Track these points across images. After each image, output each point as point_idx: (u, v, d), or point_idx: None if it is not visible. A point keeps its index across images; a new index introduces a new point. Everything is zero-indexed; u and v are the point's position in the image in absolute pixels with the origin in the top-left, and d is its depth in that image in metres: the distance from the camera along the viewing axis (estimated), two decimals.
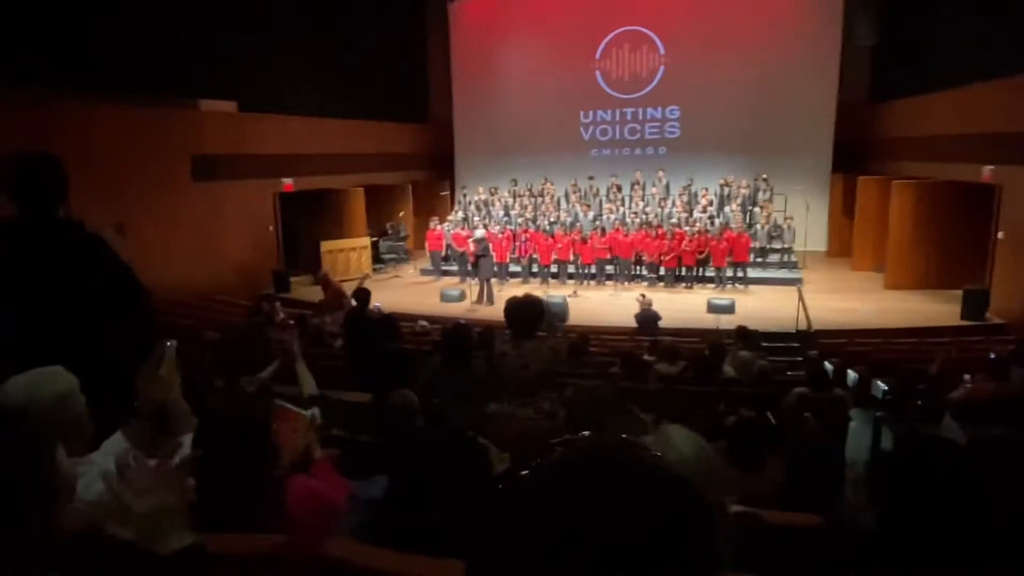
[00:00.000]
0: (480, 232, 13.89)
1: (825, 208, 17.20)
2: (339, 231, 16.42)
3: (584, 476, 0.65)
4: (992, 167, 11.03)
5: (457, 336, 4.33)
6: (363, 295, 7.61)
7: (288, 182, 14.87)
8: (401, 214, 18.06)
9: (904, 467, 1.40)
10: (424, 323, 9.93)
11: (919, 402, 6.32)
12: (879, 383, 7.48)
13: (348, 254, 15.79)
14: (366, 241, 16.33)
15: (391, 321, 7.61)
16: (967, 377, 5.71)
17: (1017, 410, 5.13)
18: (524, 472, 0.67)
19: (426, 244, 16.05)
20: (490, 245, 13.69)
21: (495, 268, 13.90)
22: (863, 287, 13.82)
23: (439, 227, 15.79)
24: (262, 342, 7.55)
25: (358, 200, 16.77)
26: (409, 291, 14.85)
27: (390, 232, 17.55)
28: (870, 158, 16.79)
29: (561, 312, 11.64)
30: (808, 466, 2.32)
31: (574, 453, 0.69)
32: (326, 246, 15.39)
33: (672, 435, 1.40)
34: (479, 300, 13.23)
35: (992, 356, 6.83)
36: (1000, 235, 11.01)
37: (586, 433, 0.76)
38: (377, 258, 16.92)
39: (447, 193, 19.08)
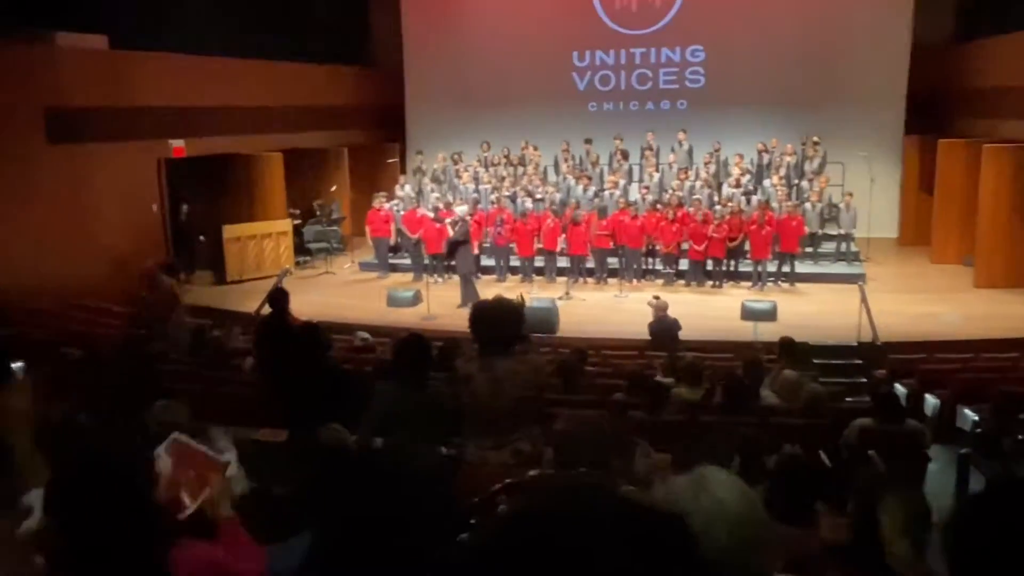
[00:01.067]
0: (462, 209, 13.92)
1: (896, 182, 17.46)
2: (249, 211, 16.26)
3: (552, 530, 0.66)
4: None
5: (410, 353, 4.32)
6: (280, 299, 7.56)
7: (179, 145, 14.70)
8: (334, 188, 17.98)
9: (998, 519, 1.42)
10: (365, 335, 9.90)
11: (1019, 436, 6.46)
12: (967, 412, 7.62)
13: (261, 243, 15.66)
14: (287, 225, 16.22)
15: (318, 333, 7.57)
16: None
17: None
18: (477, 529, 0.68)
19: (368, 229, 15.98)
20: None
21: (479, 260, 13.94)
22: (946, 285, 14.07)
23: (386, 206, 15.75)
24: (144, 363, 7.47)
25: (275, 169, 16.64)
26: (345, 292, 14.79)
27: (319, 213, 17.44)
28: (955, 115, 17.03)
29: (548, 320, 11.68)
30: (873, 520, 2.36)
31: (536, 502, 0.69)
32: (231, 232, 15.26)
33: (709, 479, 1.41)
34: (463, 303, 13.26)
35: None
36: None
37: (534, 473, 0.77)
38: (302, 248, 16.82)
39: (396, 160, 19.03)
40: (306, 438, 3.34)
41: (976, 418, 7.45)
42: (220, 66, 15.69)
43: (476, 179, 16.75)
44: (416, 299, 13.54)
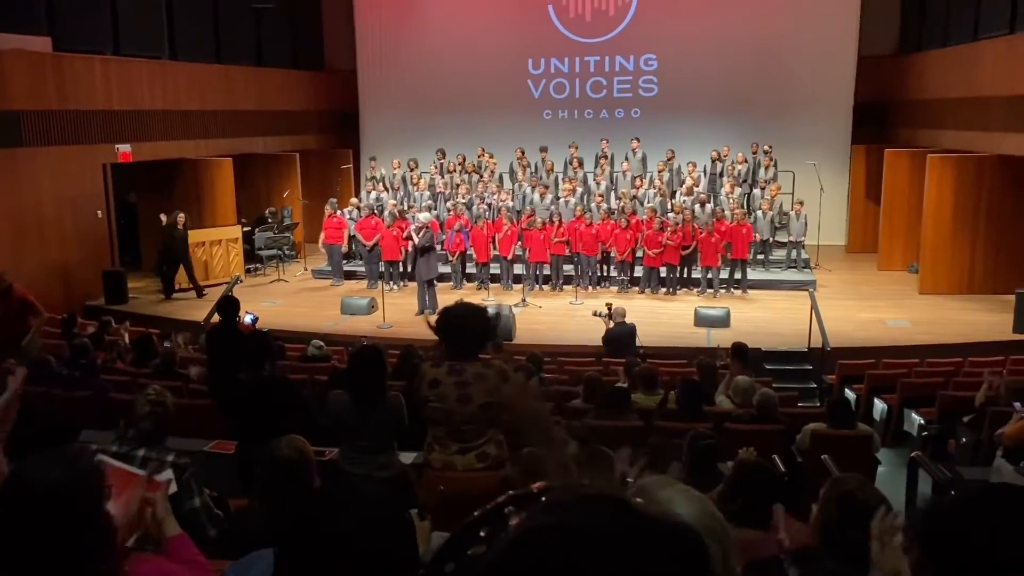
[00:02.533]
0: (425, 216, 13.90)
1: (845, 190, 17.87)
2: (198, 217, 16.02)
3: (574, 547, 0.66)
4: None
5: (365, 361, 4.31)
6: (230, 307, 7.47)
7: (125, 150, 14.44)
8: (286, 194, 17.81)
9: (948, 521, 1.47)
10: (319, 344, 9.82)
11: (963, 439, 6.66)
12: (914, 416, 7.84)
13: (211, 250, 15.44)
14: (236, 232, 16.02)
15: (268, 341, 7.50)
16: (1018, 405, 6.03)
17: None
18: (483, 549, 0.67)
19: (321, 236, 15.84)
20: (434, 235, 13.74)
21: (439, 267, 13.92)
22: (893, 292, 14.43)
23: (339, 213, 15.64)
24: (89, 375, 7.30)
25: (225, 175, 16.43)
26: (298, 300, 14.64)
27: (271, 220, 17.26)
28: (900, 125, 17.50)
29: (505, 327, 11.70)
30: (846, 525, 2.42)
31: (552, 516, 0.69)
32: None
33: (667, 493, 1.42)
34: (421, 310, 13.27)
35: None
36: None
37: (539, 484, 0.76)
38: (252, 255, 16.63)
39: (350, 166, 18.93)
40: (255, 450, 3.31)
41: (922, 422, 7.66)
42: (169, 69, 15.47)
43: (432, 187, 16.73)
44: (371, 307, 13.46)
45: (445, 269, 15.29)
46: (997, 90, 13.14)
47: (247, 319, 9.55)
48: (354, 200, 16.38)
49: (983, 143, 13.70)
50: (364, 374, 4.26)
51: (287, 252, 17.00)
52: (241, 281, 14.84)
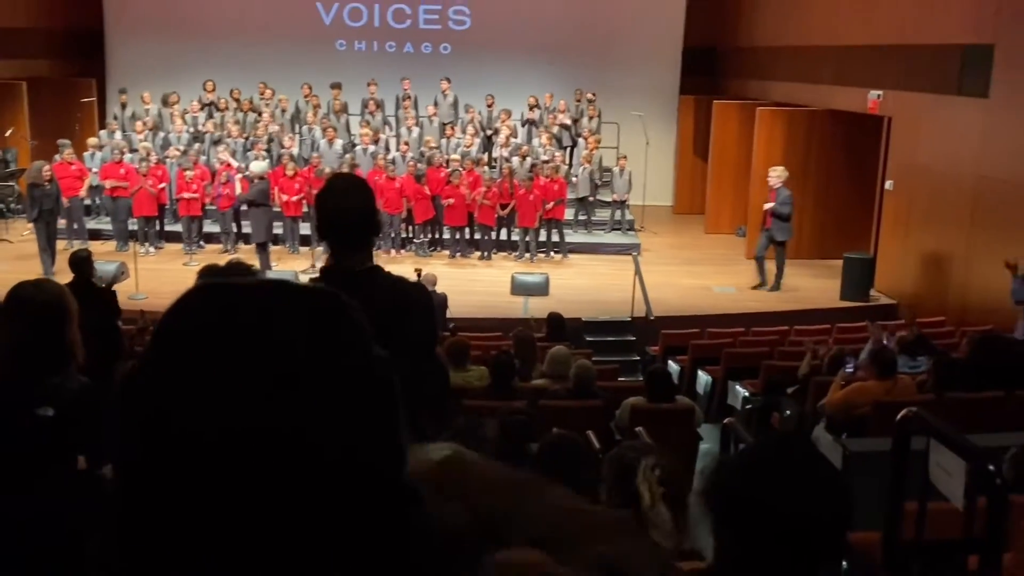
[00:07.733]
0: (260, 166, 13.45)
1: (672, 144, 18.78)
2: None
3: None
4: (880, 93, 12.83)
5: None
6: None
7: None
8: (9, 133, 16.62)
9: (730, 476, 1.61)
10: None
11: (787, 411, 7.25)
12: (738, 388, 8.43)
13: None
14: None
15: None
16: (848, 368, 6.60)
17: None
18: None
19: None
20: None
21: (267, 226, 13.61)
22: (719, 257, 15.41)
23: (73, 159, 14.73)
24: None
25: None
26: (27, 267, 13.64)
27: None
28: (730, 75, 18.57)
29: None
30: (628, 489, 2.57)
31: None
32: None
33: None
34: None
35: (874, 347, 7.99)
36: (889, 185, 12.88)
37: None
38: None
39: (93, 99, 17.90)
40: None
41: (747, 394, 8.27)
42: None
43: (195, 125, 16.09)
44: (121, 273, 12.78)
45: (215, 227, 14.86)
46: (827, 40, 14.21)
47: None
48: (93, 140, 15.56)
49: (813, 96, 14.78)
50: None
51: (12, 206, 15.94)
52: None
